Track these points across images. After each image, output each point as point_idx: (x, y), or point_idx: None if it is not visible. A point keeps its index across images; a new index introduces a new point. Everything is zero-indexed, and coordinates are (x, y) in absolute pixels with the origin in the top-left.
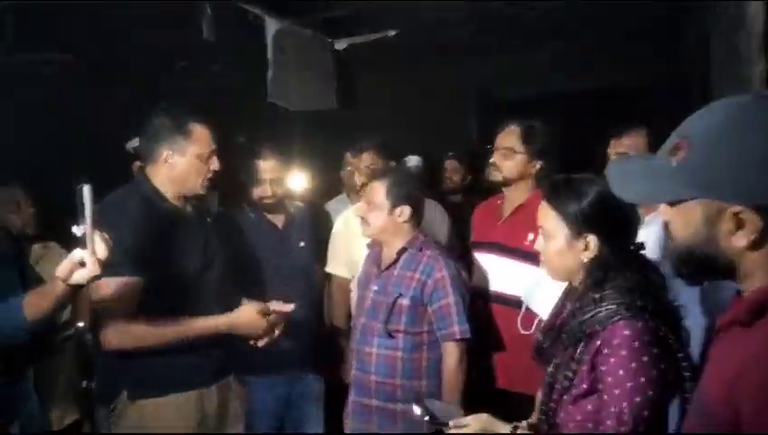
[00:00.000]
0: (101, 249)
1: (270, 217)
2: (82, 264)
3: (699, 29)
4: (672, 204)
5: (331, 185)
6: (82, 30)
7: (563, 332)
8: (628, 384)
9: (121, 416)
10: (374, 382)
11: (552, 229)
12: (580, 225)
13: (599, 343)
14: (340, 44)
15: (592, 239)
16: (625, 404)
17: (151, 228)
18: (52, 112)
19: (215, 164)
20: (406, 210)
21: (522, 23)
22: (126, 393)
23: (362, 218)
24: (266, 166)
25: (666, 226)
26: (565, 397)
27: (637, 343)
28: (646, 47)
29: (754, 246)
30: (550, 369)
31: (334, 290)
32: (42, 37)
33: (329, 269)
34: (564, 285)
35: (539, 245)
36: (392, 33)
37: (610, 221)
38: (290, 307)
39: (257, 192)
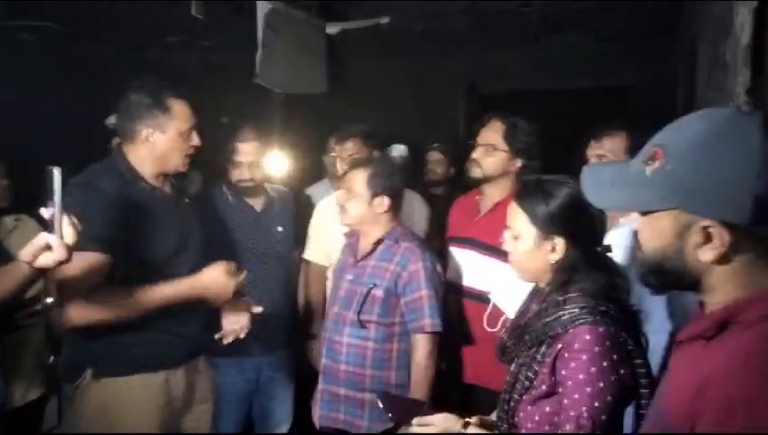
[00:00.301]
0: (69, 234)
1: (248, 200)
2: (49, 247)
3: (689, 33)
4: (644, 213)
5: (316, 169)
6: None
7: (527, 332)
8: (588, 389)
9: (85, 394)
10: (343, 372)
11: (520, 230)
12: (548, 226)
13: (560, 346)
14: (333, 29)
15: (559, 241)
16: (584, 409)
17: (125, 208)
18: (32, 82)
19: (195, 140)
20: (385, 201)
21: (514, 19)
22: (91, 371)
23: (341, 207)
24: (245, 148)
25: (635, 234)
26: (525, 397)
27: (597, 347)
28: (636, 48)
29: (720, 260)
30: (512, 368)
31: (311, 277)
32: (24, 4)
33: (306, 256)
34: (532, 285)
35: (507, 245)
36: (385, 20)
37: (578, 224)
38: (258, 309)
39: (235, 175)
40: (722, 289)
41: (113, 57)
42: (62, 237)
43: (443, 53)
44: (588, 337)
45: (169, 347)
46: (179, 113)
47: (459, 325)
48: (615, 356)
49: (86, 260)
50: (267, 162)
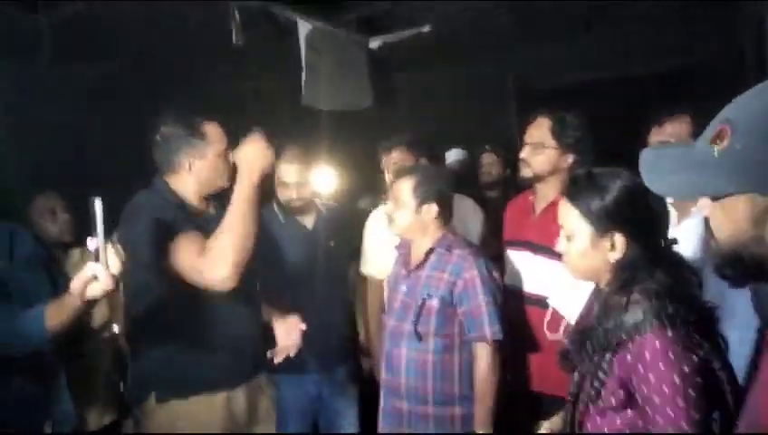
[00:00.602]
0: (114, 263)
1: (299, 217)
2: (96, 277)
3: (754, 7)
4: (714, 198)
5: (369, 182)
6: (120, 40)
7: (588, 338)
8: (680, 402)
9: (149, 417)
10: (404, 386)
11: (574, 228)
12: (604, 222)
13: (629, 357)
14: (375, 43)
15: (619, 238)
16: (683, 423)
17: (176, 227)
18: (93, 121)
19: (231, 157)
20: (433, 208)
21: (560, 12)
22: (154, 394)
23: (389, 217)
24: (289, 169)
25: (707, 222)
26: (591, 408)
27: (672, 354)
28: (696, 29)
29: None
30: (575, 377)
31: (368, 291)
32: (79, 49)
33: (363, 270)
34: (593, 285)
35: (561, 245)
36: (427, 28)
37: (638, 217)
38: (303, 326)
39: (283, 194)
40: None
41: (169, 91)
42: (107, 267)
43: (490, 53)
44: (658, 344)
45: (229, 366)
46: (214, 136)
47: (520, 332)
48: (694, 358)
49: (186, 241)
50: (315, 179)
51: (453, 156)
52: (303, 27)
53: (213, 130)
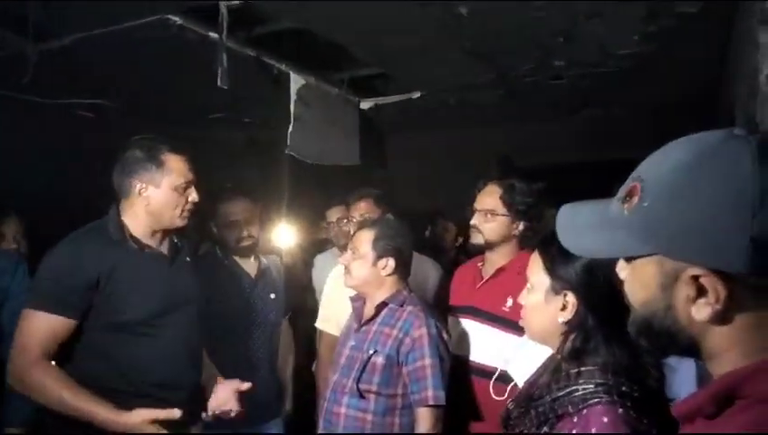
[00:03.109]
0: None
1: (244, 264)
2: None
3: (727, 99)
4: (628, 260)
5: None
6: (114, 75)
7: (533, 407)
8: None
9: None
10: None
11: (536, 281)
12: (561, 279)
13: (573, 429)
14: (365, 104)
15: (571, 299)
16: None
17: (102, 268)
18: (84, 155)
19: (192, 195)
20: (390, 262)
21: (546, 92)
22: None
23: (346, 267)
24: (235, 208)
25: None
26: None
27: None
28: (680, 117)
29: (720, 320)
30: None
31: (322, 347)
32: (72, 83)
33: (318, 325)
34: (544, 353)
35: (522, 297)
36: (416, 94)
37: (598, 285)
38: (247, 385)
39: (230, 235)
40: (726, 356)
41: (161, 133)
42: None
43: (476, 125)
44: (605, 419)
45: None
46: (173, 168)
47: (465, 401)
48: None
49: (38, 321)
50: (261, 222)
51: None
52: (295, 80)
53: (174, 162)
